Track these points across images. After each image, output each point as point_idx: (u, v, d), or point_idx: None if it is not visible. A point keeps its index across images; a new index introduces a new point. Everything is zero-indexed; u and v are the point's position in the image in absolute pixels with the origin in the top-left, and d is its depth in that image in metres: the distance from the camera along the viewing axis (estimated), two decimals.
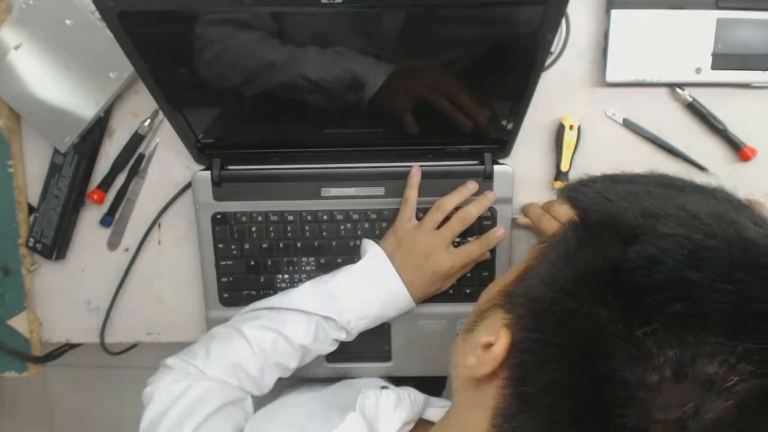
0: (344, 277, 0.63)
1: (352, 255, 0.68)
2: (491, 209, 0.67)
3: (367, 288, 0.63)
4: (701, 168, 0.68)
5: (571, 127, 0.66)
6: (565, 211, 0.61)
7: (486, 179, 0.66)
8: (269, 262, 0.69)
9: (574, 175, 0.68)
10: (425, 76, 0.59)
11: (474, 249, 0.65)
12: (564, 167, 0.67)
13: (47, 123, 0.68)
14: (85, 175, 0.70)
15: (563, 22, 0.65)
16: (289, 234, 0.68)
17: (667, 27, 0.63)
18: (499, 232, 0.65)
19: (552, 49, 0.65)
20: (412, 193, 0.65)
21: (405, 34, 0.52)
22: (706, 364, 0.26)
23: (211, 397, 0.55)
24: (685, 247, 0.28)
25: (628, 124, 0.67)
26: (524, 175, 0.68)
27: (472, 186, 0.65)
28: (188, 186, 0.70)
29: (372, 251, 0.64)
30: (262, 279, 0.69)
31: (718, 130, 0.66)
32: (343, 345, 0.65)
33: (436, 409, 0.54)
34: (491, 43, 0.53)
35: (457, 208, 0.65)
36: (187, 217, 0.71)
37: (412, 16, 0.51)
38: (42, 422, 1.57)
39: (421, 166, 0.66)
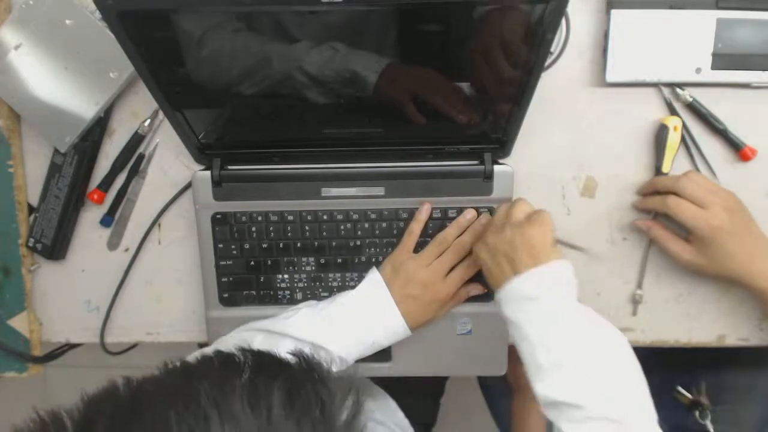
0: (342, 305, 0.64)
1: (352, 255, 0.68)
2: (490, 209, 0.67)
3: (365, 316, 0.63)
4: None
5: (675, 128, 0.65)
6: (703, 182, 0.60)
7: (486, 179, 0.66)
8: (269, 262, 0.69)
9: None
10: (421, 73, 0.59)
11: (466, 270, 0.66)
12: (666, 168, 0.66)
13: (47, 123, 0.68)
14: (85, 175, 0.70)
15: (563, 22, 0.65)
16: (289, 234, 0.68)
17: (667, 27, 0.63)
18: (469, 214, 0.66)
19: (552, 49, 0.65)
20: (417, 227, 0.66)
21: (404, 32, 0.52)
22: None
23: None
24: None
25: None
26: (524, 175, 0.68)
27: (470, 216, 0.66)
28: (188, 186, 0.70)
29: (370, 278, 0.65)
30: (262, 279, 0.69)
31: (718, 130, 0.66)
32: None
33: None
34: (491, 43, 0.53)
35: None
36: (187, 217, 0.71)
37: (411, 14, 0.51)
38: None
39: (420, 166, 0.66)
